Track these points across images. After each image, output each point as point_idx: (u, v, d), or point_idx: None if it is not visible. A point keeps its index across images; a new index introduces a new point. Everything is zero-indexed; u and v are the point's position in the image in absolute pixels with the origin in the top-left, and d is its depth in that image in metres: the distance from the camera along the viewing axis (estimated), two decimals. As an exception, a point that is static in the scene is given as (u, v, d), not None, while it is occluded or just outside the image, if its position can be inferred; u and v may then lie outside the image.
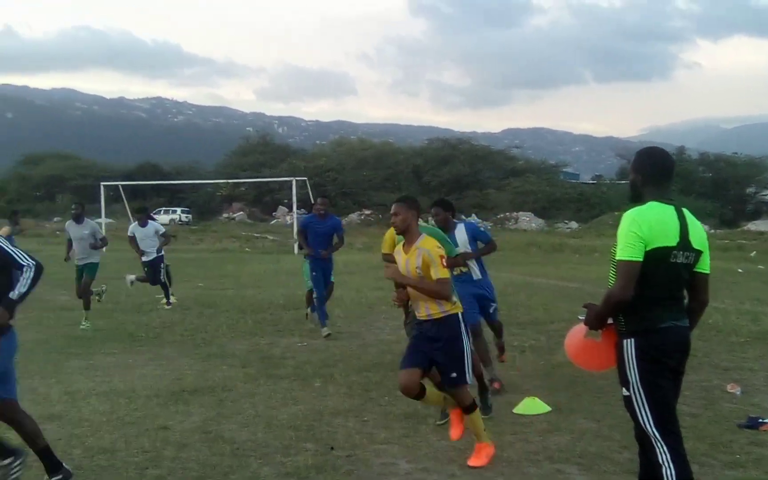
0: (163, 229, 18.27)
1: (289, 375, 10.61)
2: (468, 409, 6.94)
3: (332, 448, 7.41)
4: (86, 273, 15.48)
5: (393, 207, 7.06)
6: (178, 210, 74.16)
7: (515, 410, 8.69)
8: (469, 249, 9.48)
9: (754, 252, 38.14)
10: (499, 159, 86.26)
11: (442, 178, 78.82)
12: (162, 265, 17.71)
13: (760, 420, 7.95)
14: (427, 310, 6.89)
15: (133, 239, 17.53)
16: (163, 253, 17.75)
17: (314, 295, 14.35)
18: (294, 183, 42.45)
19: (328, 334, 13.49)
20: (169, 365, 11.32)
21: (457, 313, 6.88)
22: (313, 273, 14.04)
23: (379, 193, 75.35)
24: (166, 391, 9.60)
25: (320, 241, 13.90)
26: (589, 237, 49.24)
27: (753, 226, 59.50)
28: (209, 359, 11.52)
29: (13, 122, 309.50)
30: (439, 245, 6.91)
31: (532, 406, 8.72)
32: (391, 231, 10.04)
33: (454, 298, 6.93)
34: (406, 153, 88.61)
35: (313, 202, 14.98)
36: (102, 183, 44.37)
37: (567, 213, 69.50)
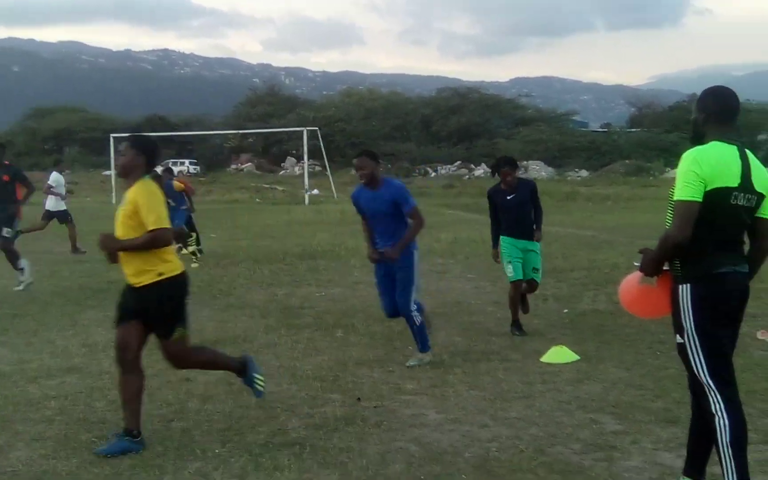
0: None
1: (309, 325, 10.48)
2: None
3: (359, 399, 7.27)
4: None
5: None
6: (187, 162, 74.00)
7: (543, 359, 8.54)
8: None
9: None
10: (508, 108, 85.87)
11: (452, 128, 78.54)
12: None
13: (796, 367, 7.78)
14: None
15: None
16: None
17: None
18: (305, 133, 42.14)
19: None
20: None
21: None
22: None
23: (389, 143, 75.20)
24: (186, 343, 9.45)
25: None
26: (601, 185, 48.93)
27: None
28: (228, 310, 11.37)
29: (20, 76, 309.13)
30: None
31: (560, 354, 8.56)
32: None
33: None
34: (415, 103, 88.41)
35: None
36: (111, 135, 44.09)
37: (577, 161, 69.07)
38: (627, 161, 64.27)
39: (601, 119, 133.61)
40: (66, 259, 17.11)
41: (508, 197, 9.95)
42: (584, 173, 63.18)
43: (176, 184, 18.26)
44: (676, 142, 69.18)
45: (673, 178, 4.58)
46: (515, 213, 9.97)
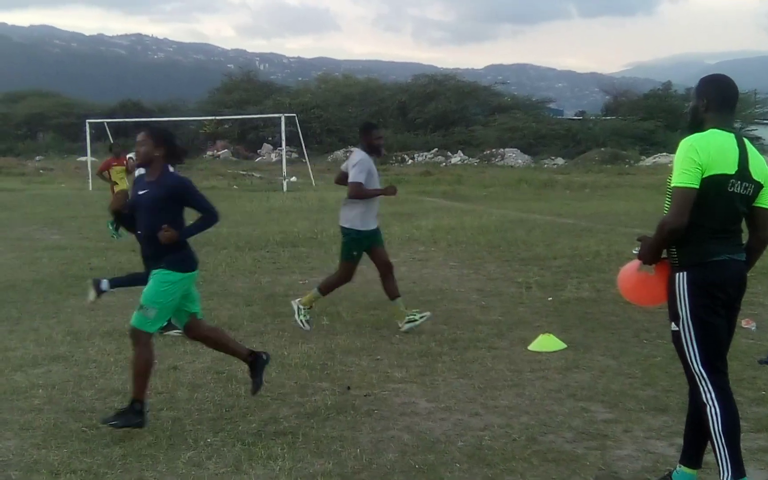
0: None
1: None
2: None
3: (349, 388, 7.27)
4: None
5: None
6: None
7: (530, 347, 8.57)
8: None
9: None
10: (484, 95, 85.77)
11: (428, 115, 78.37)
12: None
13: (782, 356, 7.85)
14: None
15: None
16: None
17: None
18: (283, 120, 41.89)
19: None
20: (171, 304, 11.10)
21: None
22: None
23: (365, 130, 74.84)
24: (172, 331, 9.39)
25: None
26: (578, 173, 48.93)
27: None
28: (212, 298, 11.28)
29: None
30: None
31: (547, 342, 8.59)
32: None
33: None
34: (391, 89, 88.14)
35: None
36: (87, 120, 43.75)
37: (553, 149, 69.04)
38: (602, 149, 64.31)
39: (575, 107, 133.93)
40: (45, 246, 16.93)
41: (140, 192, 6.56)
42: (560, 161, 63.16)
43: None
44: (651, 129, 69.42)
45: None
46: (139, 220, 6.52)
